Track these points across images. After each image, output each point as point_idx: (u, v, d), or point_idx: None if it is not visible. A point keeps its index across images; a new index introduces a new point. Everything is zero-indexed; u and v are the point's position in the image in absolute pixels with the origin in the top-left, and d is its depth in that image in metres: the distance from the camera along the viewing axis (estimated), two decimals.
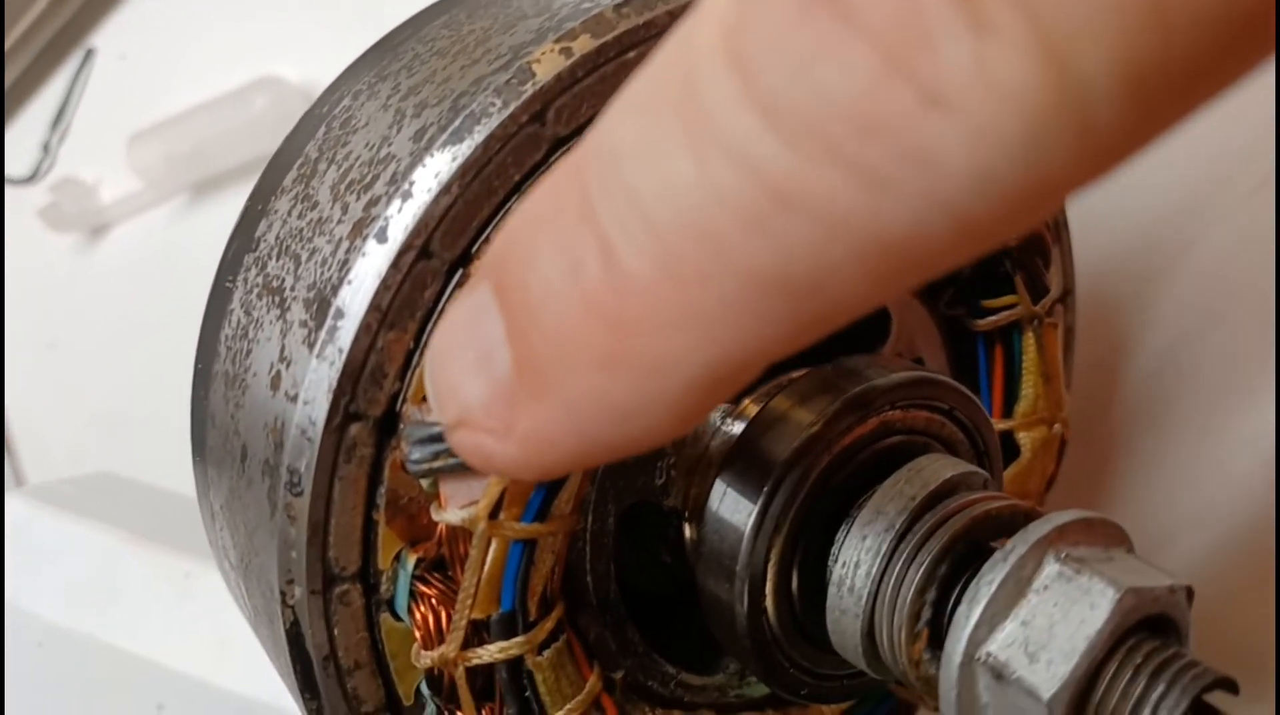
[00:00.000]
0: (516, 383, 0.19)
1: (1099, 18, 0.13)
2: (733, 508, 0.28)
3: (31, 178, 0.63)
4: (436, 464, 0.25)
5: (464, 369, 0.21)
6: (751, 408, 0.30)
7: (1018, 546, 0.23)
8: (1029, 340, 0.33)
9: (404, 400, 0.26)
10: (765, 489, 0.27)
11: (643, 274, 0.17)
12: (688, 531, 0.30)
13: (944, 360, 0.34)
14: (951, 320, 0.34)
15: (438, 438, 0.24)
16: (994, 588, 0.23)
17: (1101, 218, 0.45)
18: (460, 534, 0.26)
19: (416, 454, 0.25)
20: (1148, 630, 0.23)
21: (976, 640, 0.23)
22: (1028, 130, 0.14)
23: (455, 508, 0.26)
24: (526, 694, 0.27)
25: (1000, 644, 0.23)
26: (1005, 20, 0.13)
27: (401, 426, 0.26)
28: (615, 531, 0.29)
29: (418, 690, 0.28)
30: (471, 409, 0.20)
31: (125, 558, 0.44)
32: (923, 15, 0.14)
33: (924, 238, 0.15)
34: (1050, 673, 0.22)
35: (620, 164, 0.17)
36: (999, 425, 0.33)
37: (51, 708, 0.42)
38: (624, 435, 0.19)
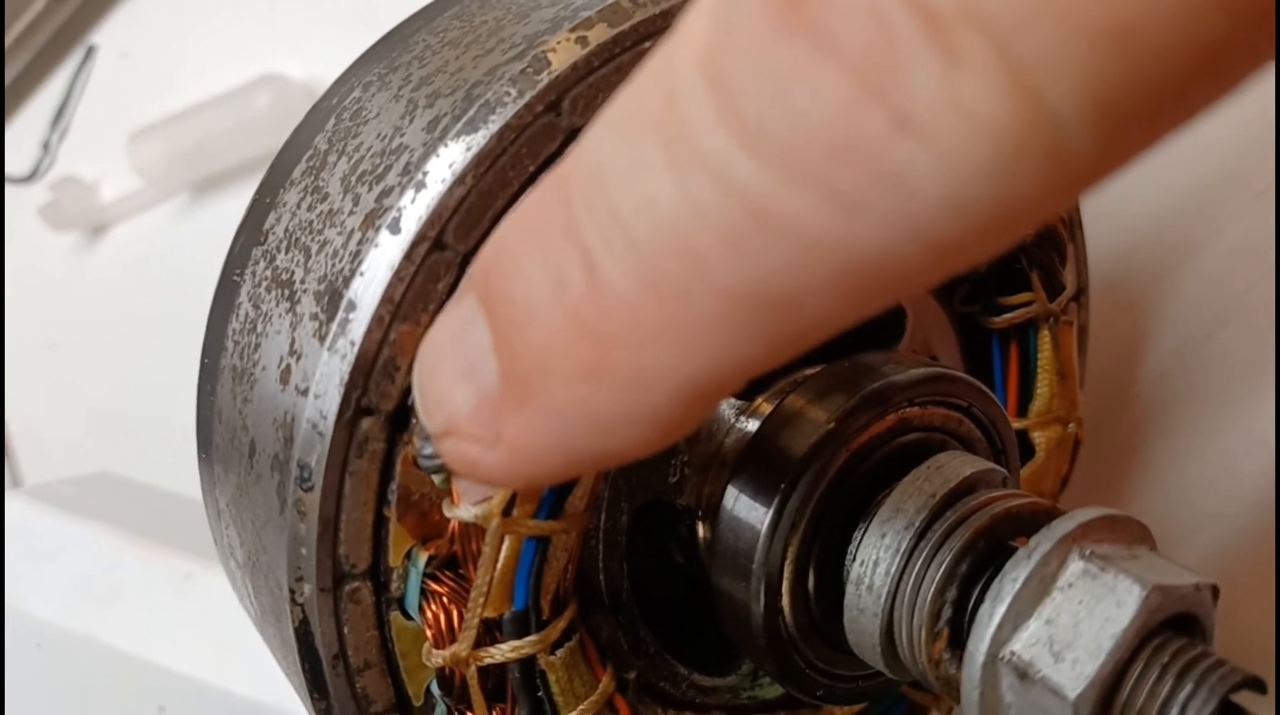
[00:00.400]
0: (503, 393, 0.20)
1: (1066, 49, 0.13)
2: (748, 506, 0.27)
3: (31, 176, 0.63)
4: None
5: (451, 378, 0.21)
6: (766, 406, 0.29)
7: (1042, 544, 0.23)
8: (1045, 338, 0.33)
9: None
10: (781, 487, 0.27)
11: (625, 289, 0.17)
12: (701, 531, 0.30)
13: (959, 358, 0.34)
14: (966, 318, 0.33)
15: None
16: (1018, 585, 0.23)
17: (1110, 220, 0.45)
18: (473, 531, 0.26)
19: (429, 449, 0.25)
20: (1173, 629, 0.22)
21: (1000, 639, 0.22)
22: (998, 157, 0.14)
23: (468, 504, 0.25)
24: (539, 694, 0.26)
25: (1024, 643, 0.22)
26: (974, 50, 0.13)
27: (414, 421, 0.25)
28: (628, 530, 0.29)
29: (428, 690, 0.27)
30: (459, 417, 0.21)
31: (125, 558, 0.44)
32: (895, 42, 0.14)
33: (898, 258, 0.15)
34: (1076, 672, 0.21)
35: (603, 180, 0.17)
36: (1014, 424, 0.33)
37: (51, 709, 0.42)
38: (608, 446, 0.19)
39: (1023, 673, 0.22)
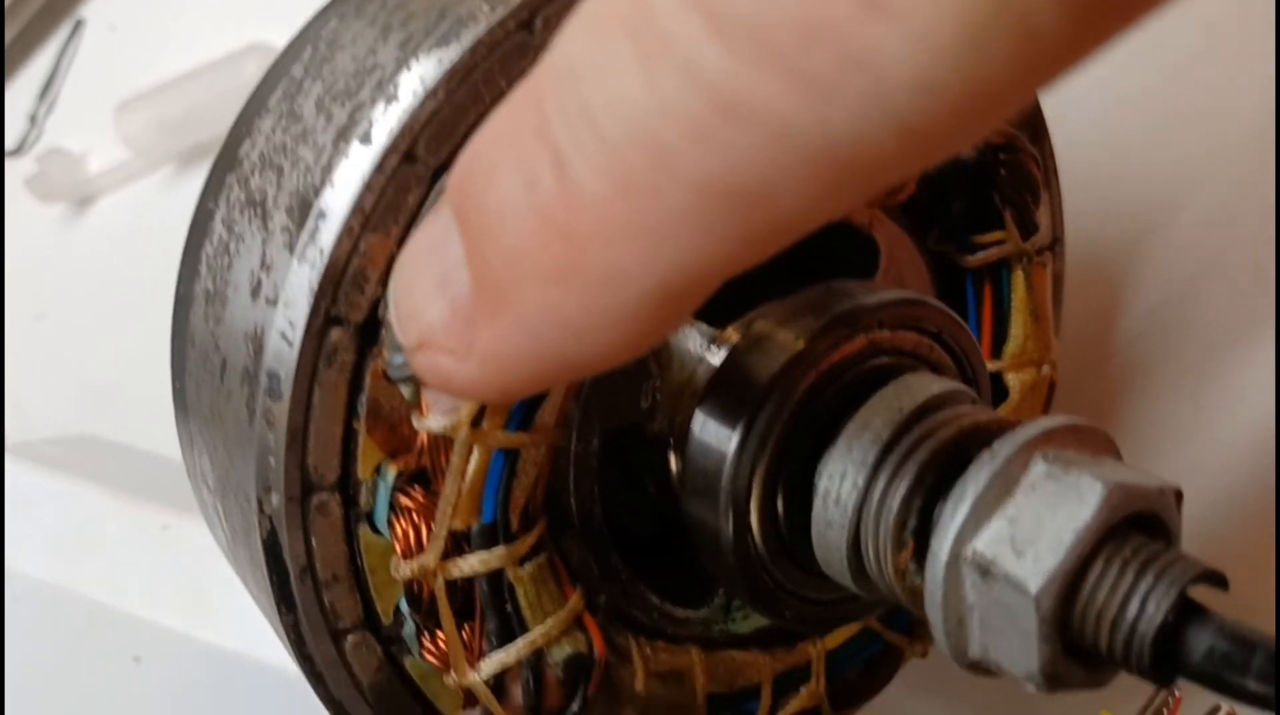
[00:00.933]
0: (475, 302, 0.20)
1: None
2: (716, 429, 0.28)
3: (18, 149, 0.63)
4: None
5: (426, 292, 0.21)
6: (735, 334, 0.29)
7: (1005, 448, 0.23)
8: (1018, 278, 0.33)
9: (386, 306, 0.25)
10: (750, 407, 0.27)
11: (595, 187, 0.17)
12: (673, 461, 0.30)
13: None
14: (940, 257, 0.34)
15: None
16: (981, 486, 0.23)
17: (1093, 177, 0.45)
18: (442, 444, 0.26)
19: (399, 359, 0.25)
20: (1137, 528, 0.22)
21: (963, 538, 0.23)
22: (967, 35, 0.14)
23: (437, 415, 0.25)
24: (507, 608, 0.26)
25: (987, 541, 0.22)
26: None
27: (383, 333, 0.25)
28: (599, 454, 0.29)
29: (397, 608, 0.27)
30: (433, 330, 0.21)
31: (103, 511, 0.44)
32: None
33: (868, 145, 0.15)
34: (1037, 566, 0.22)
35: (573, 79, 0.17)
36: (988, 366, 0.33)
37: (28, 660, 0.42)
38: (579, 352, 0.19)
39: (985, 569, 0.22)
